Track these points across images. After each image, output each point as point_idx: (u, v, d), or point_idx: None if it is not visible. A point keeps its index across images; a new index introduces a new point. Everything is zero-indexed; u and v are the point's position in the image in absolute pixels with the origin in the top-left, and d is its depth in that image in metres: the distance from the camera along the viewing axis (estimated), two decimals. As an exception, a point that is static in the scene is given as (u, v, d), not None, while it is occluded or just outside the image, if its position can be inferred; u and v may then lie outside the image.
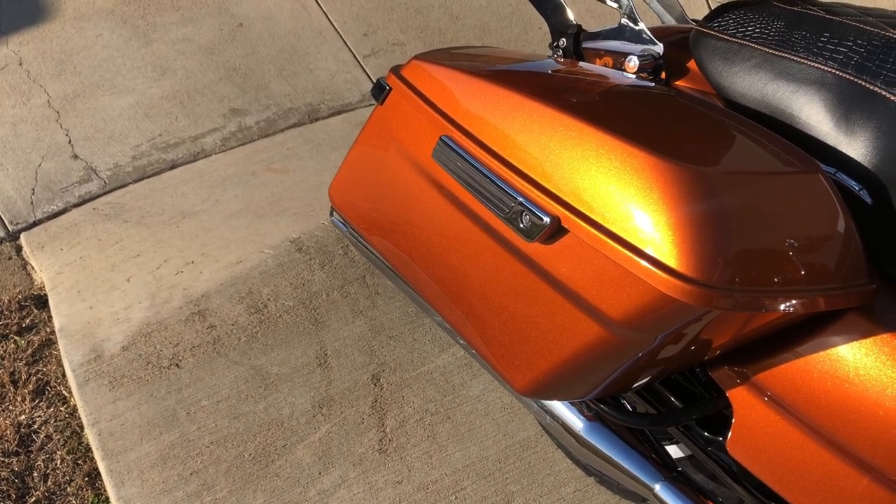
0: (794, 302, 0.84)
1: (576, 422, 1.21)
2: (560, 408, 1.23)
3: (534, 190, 0.91)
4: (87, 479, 1.65)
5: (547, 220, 0.89)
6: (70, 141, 2.42)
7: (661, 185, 0.83)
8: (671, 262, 0.81)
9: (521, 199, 0.92)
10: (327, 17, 2.91)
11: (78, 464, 1.68)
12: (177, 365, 1.79)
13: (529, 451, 1.64)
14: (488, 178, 0.96)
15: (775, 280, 0.83)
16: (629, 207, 0.84)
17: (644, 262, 0.81)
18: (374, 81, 1.18)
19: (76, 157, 2.37)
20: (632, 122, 0.93)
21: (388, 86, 1.16)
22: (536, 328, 0.98)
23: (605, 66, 1.23)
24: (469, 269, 1.05)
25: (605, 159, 0.86)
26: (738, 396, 1.02)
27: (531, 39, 2.88)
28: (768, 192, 0.86)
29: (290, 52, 2.78)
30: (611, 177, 0.86)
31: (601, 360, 0.96)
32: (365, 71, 2.74)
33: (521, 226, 0.92)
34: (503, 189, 0.94)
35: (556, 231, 0.90)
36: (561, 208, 0.88)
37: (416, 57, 1.15)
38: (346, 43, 2.84)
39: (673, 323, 0.87)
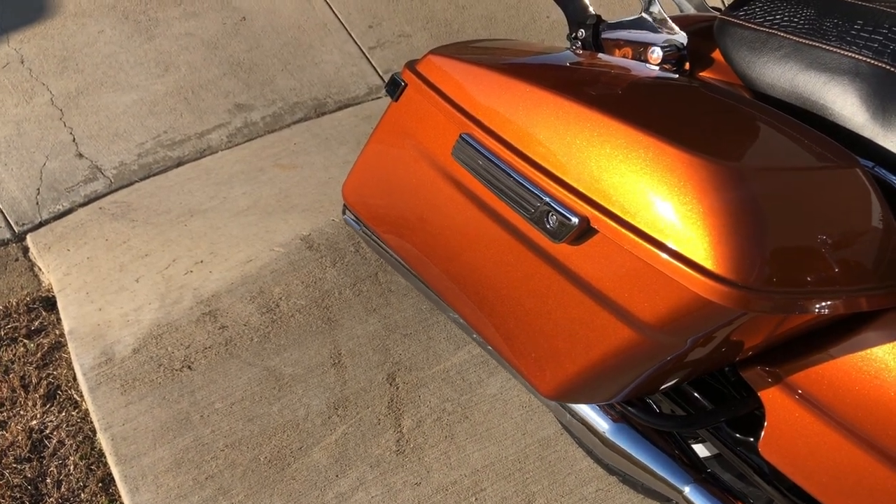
0: (833, 303, 0.81)
1: (601, 423, 1.18)
2: (584, 409, 1.21)
3: (561, 189, 0.88)
4: (100, 484, 1.63)
5: (575, 220, 0.86)
6: (74, 139, 2.39)
7: (695, 183, 0.80)
8: (707, 262, 0.78)
9: (547, 199, 0.89)
10: (331, 8, 2.87)
11: (91, 469, 1.66)
12: (189, 367, 1.76)
13: (549, 450, 1.62)
14: (512, 177, 0.93)
15: (814, 280, 0.80)
16: (662, 207, 0.81)
17: (678, 263, 0.79)
18: (389, 77, 1.15)
19: (81, 155, 2.34)
20: (662, 117, 0.90)
21: (404, 81, 1.13)
22: (563, 331, 0.95)
23: (625, 57, 1.20)
24: (491, 271, 1.02)
25: (636, 157, 0.83)
26: (772, 397, 0.99)
27: (539, 29, 2.84)
28: (805, 189, 0.83)
29: (295, 46, 2.74)
30: (642, 175, 0.82)
31: (631, 363, 0.93)
32: (371, 63, 2.70)
33: (548, 227, 0.89)
34: (528, 189, 0.91)
35: (585, 232, 0.87)
36: (590, 208, 0.85)
37: (432, 52, 1.12)
38: (350, 35, 2.80)
39: (707, 326, 0.84)
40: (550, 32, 2.82)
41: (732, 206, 0.78)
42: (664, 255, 0.80)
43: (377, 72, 2.68)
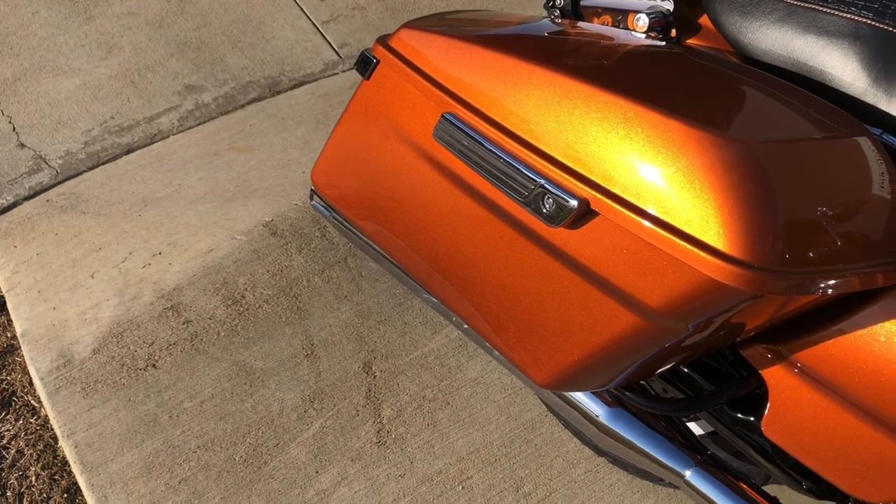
0: (849, 280, 0.77)
1: (596, 409, 1.14)
2: (578, 394, 1.16)
3: (556, 170, 0.83)
4: (66, 495, 1.54)
5: (574, 203, 0.81)
6: (14, 129, 2.25)
7: (703, 158, 0.75)
8: (718, 243, 0.73)
9: (542, 181, 0.83)
10: (281, -18, 2.76)
11: (55, 479, 1.57)
12: (153, 365, 1.68)
13: (535, 433, 1.58)
14: (503, 158, 0.87)
15: (829, 258, 0.76)
16: (668, 185, 0.76)
17: (687, 245, 0.74)
18: (359, 53, 1.07)
19: (23, 145, 2.21)
20: (659, 89, 0.85)
21: (375, 58, 1.06)
22: (560, 319, 0.90)
23: (605, 25, 1.14)
24: (479, 258, 0.96)
25: (638, 133, 0.78)
26: (775, 376, 0.96)
27: (497, -3, 2.76)
28: (816, 161, 0.79)
29: (244, 22, 2.62)
30: (646, 152, 0.77)
31: (633, 349, 0.89)
32: (325, 38, 2.60)
33: (544, 210, 0.84)
34: (521, 170, 0.85)
35: (584, 214, 0.81)
36: (589, 189, 0.80)
37: (405, 25, 1.05)
38: (302, 10, 2.69)
39: (718, 309, 0.80)
40: (508, 0, 2.75)
41: (744, 183, 0.73)
42: (672, 237, 0.75)
43: (332, 47, 2.58)
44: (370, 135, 1.08)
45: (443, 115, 0.94)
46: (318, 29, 2.63)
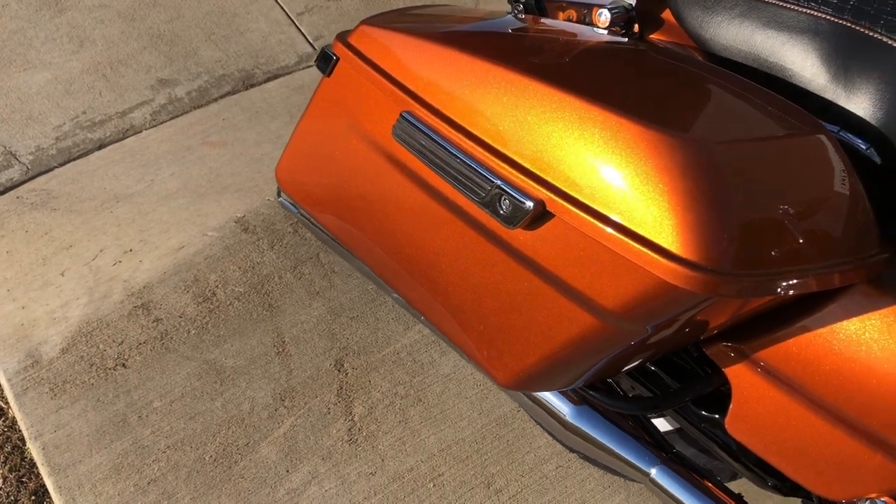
0: (805, 281, 0.76)
1: (562, 407, 1.14)
2: (544, 392, 1.16)
3: (513, 171, 0.82)
4: (33, 497, 1.53)
5: (530, 204, 0.80)
6: (-17, 124, 2.22)
7: (656, 160, 0.74)
8: (672, 246, 0.72)
9: (499, 182, 0.82)
10: (255, -27, 2.72)
11: (22, 482, 1.55)
12: (123, 365, 1.66)
13: (507, 429, 1.57)
14: (460, 158, 0.86)
15: (785, 259, 0.75)
16: (622, 187, 0.75)
17: (641, 247, 0.73)
18: (319, 50, 1.06)
19: (-8, 141, 2.18)
20: (617, 88, 0.84)
21: (335, 55, 1.04)
22: (521, 320, 0.90)
23: (570, 19, 1.13)
24: (441, 258, 0.96)
25: (592, 133, 0.77)
26: (737, 374, 0.95)
27: (473, -12, 2.74)
28: (772, 160, 0.78)
29: (218, 14, 2.59)
30: (600, 153, 0.76)
31: (592, 350, 0.88)
32: (300, 30, 2.58)
33: (501, 211, 0.83)
34: (478, 171, 0.84)
35: (541, 216, 0.81)
36: (545, 190, 0.79)
37: (365, 21, 1.04)
38: (276, 1, 2.66)
39: (673, 311, 0.79)
40: (485, -8, 2.73)
41: (698, 185, 0.73)
42: (626, 239, 0.74)
43: (307, 39, 2.55)
44: (332, 132, 1.07)
45: (401, 114, 0.93)
46: (292, 21, 2.61)
